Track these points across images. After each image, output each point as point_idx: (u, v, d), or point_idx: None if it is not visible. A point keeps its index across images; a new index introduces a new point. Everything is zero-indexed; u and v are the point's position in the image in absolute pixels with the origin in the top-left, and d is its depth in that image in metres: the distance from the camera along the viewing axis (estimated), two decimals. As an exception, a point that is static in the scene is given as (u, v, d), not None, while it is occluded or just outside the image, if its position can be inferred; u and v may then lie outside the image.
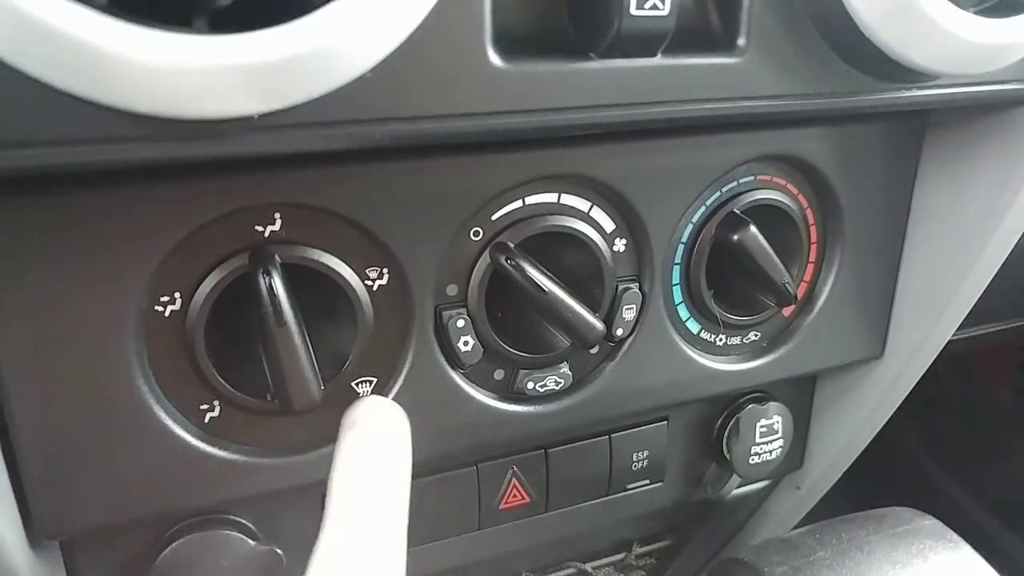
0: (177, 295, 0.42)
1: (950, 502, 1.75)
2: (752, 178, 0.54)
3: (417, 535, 0.57)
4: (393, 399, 0.48)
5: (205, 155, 0.35)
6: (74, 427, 0.42)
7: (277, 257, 0.42)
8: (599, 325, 0.48)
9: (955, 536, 0.45)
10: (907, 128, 0.56)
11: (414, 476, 0.55)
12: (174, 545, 0.50)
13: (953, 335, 0.65)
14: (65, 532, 0.44)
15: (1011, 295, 0.79)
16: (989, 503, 1.68)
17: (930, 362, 0.65)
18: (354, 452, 0.35)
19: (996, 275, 0.60)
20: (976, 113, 0.56)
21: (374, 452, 0.35)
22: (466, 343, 0.49)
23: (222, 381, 0.44)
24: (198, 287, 0.42)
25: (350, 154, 0.41)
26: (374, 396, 0.42)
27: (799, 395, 0.69)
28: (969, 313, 0.62)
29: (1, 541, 0.41)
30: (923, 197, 0.60)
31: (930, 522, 0.46)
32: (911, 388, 0.66)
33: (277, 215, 0.42)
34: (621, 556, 0.77)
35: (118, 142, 0.32)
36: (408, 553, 0.58)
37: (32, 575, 0.45)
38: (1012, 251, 0.59)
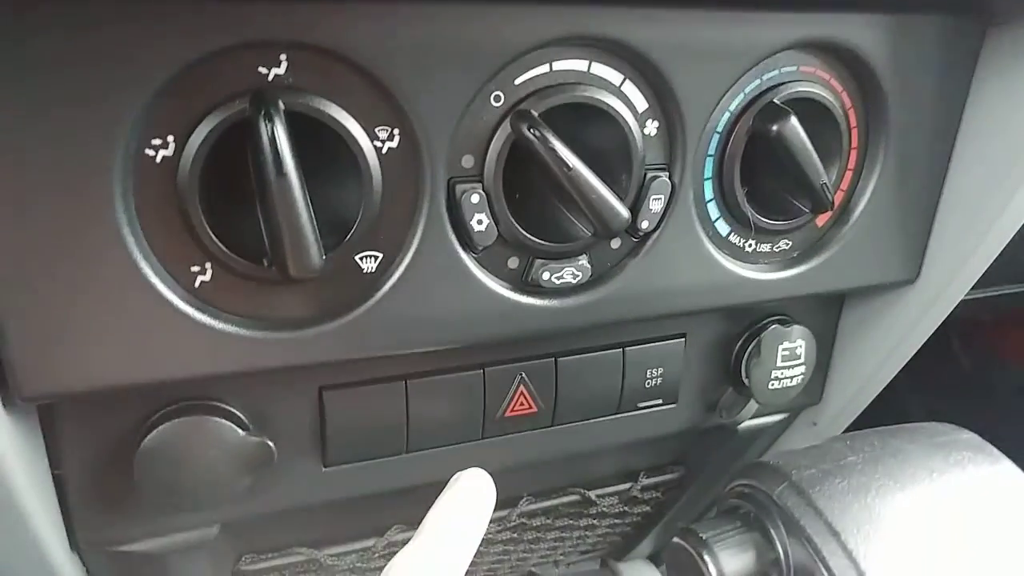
0: (170, 138, 0.39)
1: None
2: (795, 68, 0.50)
3: (419, 440, 0.54)
4: (399, 279, 0.45)
5: None
6: (54, 280, 0.39)
7: (281, 103, 0.38)
8: (625, 212, 0.45)
9: (995, 450, 0.42)
10: (967, 24, 0.52)
11: (420, 375, 0.52)
12: (160, 428, 0.47)
13: (976, 293, 0.61)
14: (41, 394, 0.41)
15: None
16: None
17: (964, 292, 0.61)
18: (451, 498, 0.43)
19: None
20: None
21: (465, 504, 0.43)
22: (480, 222, 0.45)
23: (215, 240, 0.40)
24: (193, 130, 0.39)
25: None
26: (477, 469, 0.44)
27: (825, 320, 0.66)
28: (997, 269, 0.58)
29: None
30: (976, 108, 0.55)
31: (969, 435, 0.43)
32: (943, 319, 0.63)
33: (283, 56, 0.39)
34: (627, 486, 0.74)
35: None
36: (409, 460, 0.56)
37: (7, 442, 0.42)
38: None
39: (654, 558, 0.97)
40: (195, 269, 0.42)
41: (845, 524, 0.36)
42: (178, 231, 0.40)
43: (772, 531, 0.38)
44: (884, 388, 0.68)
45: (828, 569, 0.35)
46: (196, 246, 0.41)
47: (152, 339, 0.42)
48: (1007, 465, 0.41)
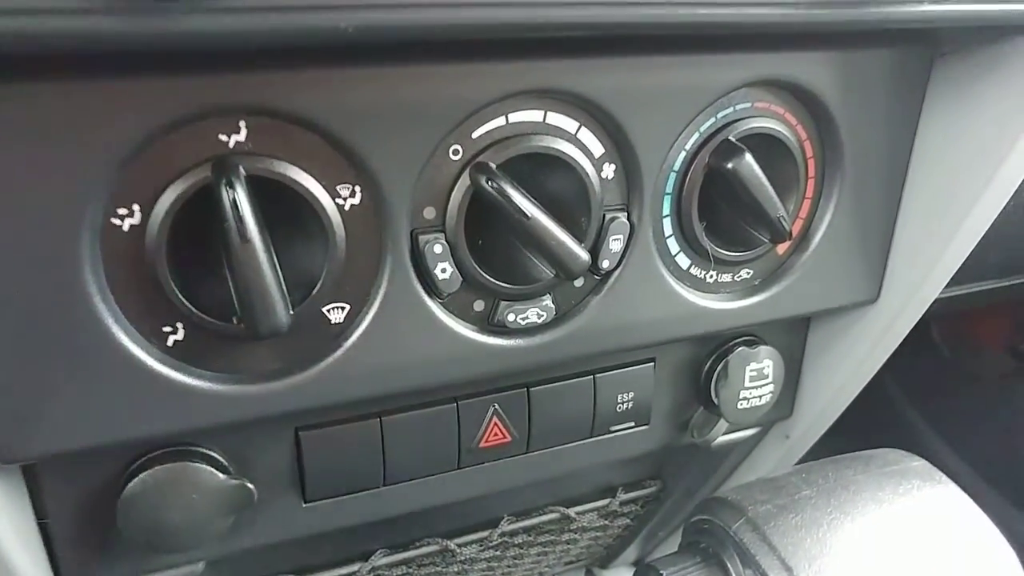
0: (135, 207, 0.40)
1: (939, 461, 1.74)
2: (749, 105, 0.51)
3: (396, 473, 0.56)
4: (367, 328, 0.46)
5: (161, 34, 0.32)
6: (28, 346, 0.40)
7: (242, 169, 0.39)
8: (584, 255, 0.46)
9: (943, 476, 0.43)
10: (914, 56, 0.54)
11: (394, 411, 0.53)
12: (141, 477, 0.48)
13: (950, 292, 0.62)
14: (20, 457, 0.42)
15: (1009, 251, 0.77)
16: (975, 464, 1.68)
17: (926, 308, 0.63)
18: None
19: (995, 229, 0.57)
20: (984, 39, 0.53)
21: None
22: (444, 270, 0.46)
23: (185, 302, 0.42)
24: (158, 200, 0.40)
25: (319, 56, 0.39)
26: None
27: (791, 339, 0.67)
28: (965, 270, 0.60)
29: None
30: (927, 133, 0.57)
31: (919, 463, 0.44)
32: (906, 334, 0.65)
33: (242, 123, 0.40)
34: (606, 502, 0.76)
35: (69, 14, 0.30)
36: (387, 492, 0.57)
37: None
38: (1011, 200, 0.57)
39: (639, 563, 0.98)
40: (167, 329, 0.43)
41: (798, 560, 0.38)
42: (149, 294, 0.42)
43: (729, 565, 0.40)
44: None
45: None
46: (167, 308, 0.42)
47: (129, 398, 0.43)
48: (953, 490, 0.42)
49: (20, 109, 0.36)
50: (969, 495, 1.35)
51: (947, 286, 0.62)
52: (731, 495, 0.42)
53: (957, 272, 0.61)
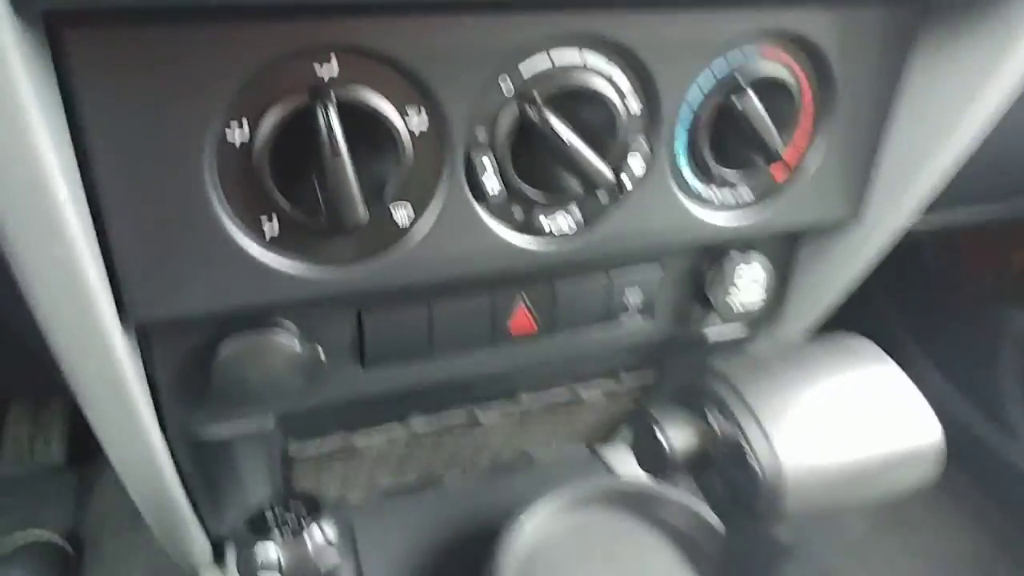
0: (246, 124, 0.49)
1: (917, 371, 1.88)
2: (757, 52, 0.59)
3: (439, 348, 0.67)
4: (426, 226, 0.56)
5: None
6: (158, 230, 0.50)
7: (334, 95, 0.48)
8: (609, 174, 0.55)
9: (887, 357, 0.53)
10: (906, 11, 0.61)
11: (441, 297, 0.64)
12: (233, 341, 0.59)
13: (934, 217, 0.71)
14: (149, 317, 0.53)
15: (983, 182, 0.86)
16: (953, 377, 1.81)
17: (900, 228, 0.72)
18: None
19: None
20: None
21: None
22: (490, 181, 0.56)
23: (282, 198, 0.51)
24: (264, 118, 0.49)
25: (398, 4, 0.47)
26: None
27: (782, 252, 0.77)
28: (950, 197, 0.69)
29: (105, 324, 0.50)
30: (911, 79, 0.65)
31: (871, 346, 0.54)
32: (881, 252, 0.74)
33: (334, 58, 0.49)
34: (610, 383, 0.88)
35: None
36: (431, 363, 0.68)
37: (125, 353, 0.54)
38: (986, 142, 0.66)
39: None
40: (265, 224, 0.53)
41: (762, 409, 0.49)
42: (253, 195, 0.51)
43: (709, 414, 0.51)
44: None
45: (748, 441, 0.48)
46: (267, 205, 0.52)
47: (231, 277, 0.53)
48: (893, 367, 0.53)
49: (167, 47, 0.45)
50: (943, 404, 1.49)
51: (931, 212, 0.72)
52: (716, 364, 0.53)
53: (945, 199, 0.70)
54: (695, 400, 0.52)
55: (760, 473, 0.48)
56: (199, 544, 0.93)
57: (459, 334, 0.67)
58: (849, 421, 0.50)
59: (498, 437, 0.94)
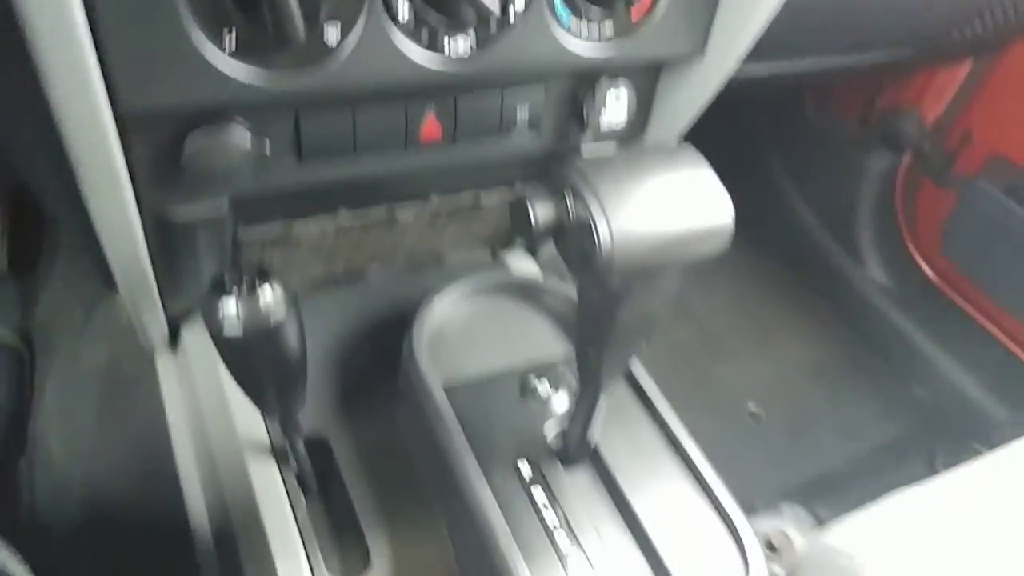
0: None
1: (790, 206, 2.12)
2: None
3: (362, 145, 0.83)
4: (351, 42, 0.70)
5: None
6: (135, 34, 0.63)
7: None
8: (496, 8, 0.70)
9: (704, 161, 0.70)
10: None
11: (362, 103, 0.79)
12: (199, 132, 0.74)
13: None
14: (134, 107, 0.67)
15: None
16: (821, 212, 2.06)
17: (733, 65, 0.90)
18: None
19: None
20: None
21: None
22: (402, 7, 0.70)
23: (240, 15, 0.65)
24: None
25: None
26: None
27: (645, 82, 0.93)
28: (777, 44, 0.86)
29: (103, 114, 0.64)
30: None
31: (695, 152, 0.71)
32: (723, 83, 0.92)
33: None
34: (506, 189, 1.06)
35: None
36: (355, 158, 0.84)
37: (114, 138, 0.69)
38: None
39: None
40: (226, 36, 0.66)
41: (604, 193, 0.63)
42: (218, 10, 0.64)
43: (567, 195, 0.63)
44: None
45: (592, 216, 0.61)
46: (227, 20, 0.65)
47: (200, 80, 0.67)
48: (706, 168, 0.70)
49: None
50: (809, 234, 1.74)
51: (762, 60, 0.89)
52: (576, 160, 0.69)
53: (769, 45, 0.87)
54: (557, 184, 0.69)
55: (597, 239, 0.65)
56: (158, 322, 1.10)
57: (378, 137, 0.82)
58: (666, 205, 0.66)
59: (413, 236, 1.11)
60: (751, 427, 1.72)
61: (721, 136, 1.08)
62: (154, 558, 1.20)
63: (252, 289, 0.67)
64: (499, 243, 1.27)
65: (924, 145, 1.73)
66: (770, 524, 1.42)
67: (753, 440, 1.70)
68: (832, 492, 1.45)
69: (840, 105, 1.90)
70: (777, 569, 1.36)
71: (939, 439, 1.59)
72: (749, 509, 1.43)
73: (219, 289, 0.67)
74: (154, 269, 0.93)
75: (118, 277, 0.90)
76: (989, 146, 1.62)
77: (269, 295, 0.67)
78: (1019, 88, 1.55)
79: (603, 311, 0.73)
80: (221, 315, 0.66)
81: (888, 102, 1.78)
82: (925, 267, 1.86)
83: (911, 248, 1.89)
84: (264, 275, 0.68)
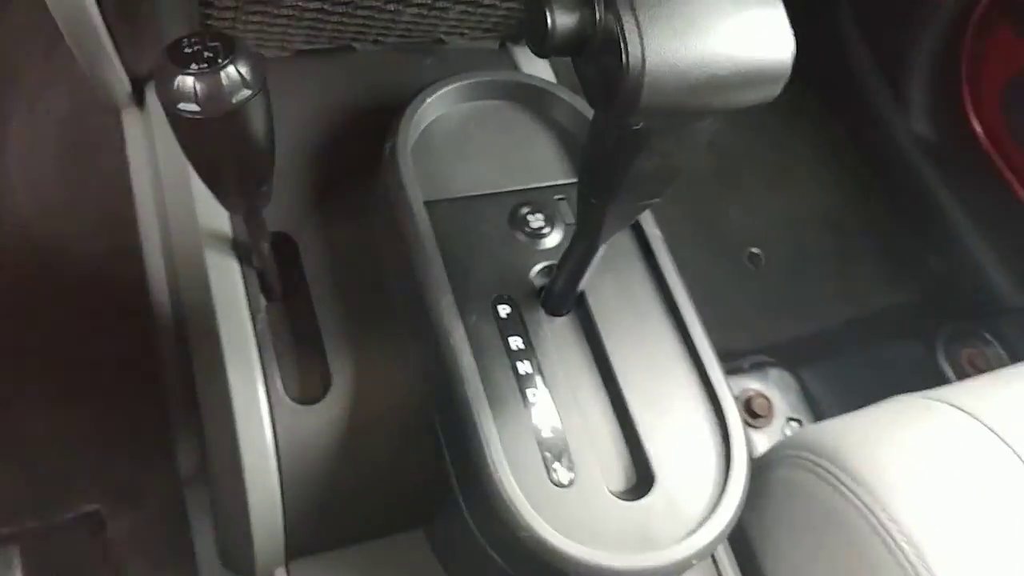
0: None
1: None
2: None
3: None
4: None
5: None
6: None
7: None
8: None
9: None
10: None
11: None
12: None
13: None
14: None
15: None
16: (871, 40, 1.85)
17: None
18: None
19: None
20: None
21: None
22: None
23: None
24: None
25: None
26: None
27: None
28: None
29: None
30: None
31: None
32: None
33: None
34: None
35: None
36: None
37: None
38: None
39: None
40: None
41: (642, 4, 0.50)
42: None
43: (596, 4, 0.53)
44: None
45: (622, 30, 0.49)
46: None
47: None
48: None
49: None
50: (858, 71, 1.53)
51: None
52: None
53: None
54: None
55: (625, 62, 0.52)
56: (120, 79, 0.96)
57: None
58: (717, 32, 0.53)
59: (409, 14, 0.95)
60: (748, 270, 1.64)
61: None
62: (115, 338, 1.15)
63: (214, 63, 0.56)
64: (509, 34, 1.10)
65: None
66: (753, 386, 1.38)
67: (748, 284, 1.63)
68: (819, 356, 1.39)
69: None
70: (755, 436, 1.34)
71: (944, 319, 1.51)
72: (734, 366, 1.39)
73: (176, 60, 0.56)
74: (108, 24, 0.78)
75: (64, 30, 0.75)
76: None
77: (234, 73, 0.57)
78: None
79: (617, 155, 0.61)
80: (176, 91, 0.56)
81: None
82: (975, 123, 1.68)
83: (966, 99, 1.70)
84: (230, 46, 0.56)
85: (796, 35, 0.54)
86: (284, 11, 0.87)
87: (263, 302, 0.86)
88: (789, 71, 0.54)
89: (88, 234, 1.31)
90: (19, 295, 1.24)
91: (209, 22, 0.84)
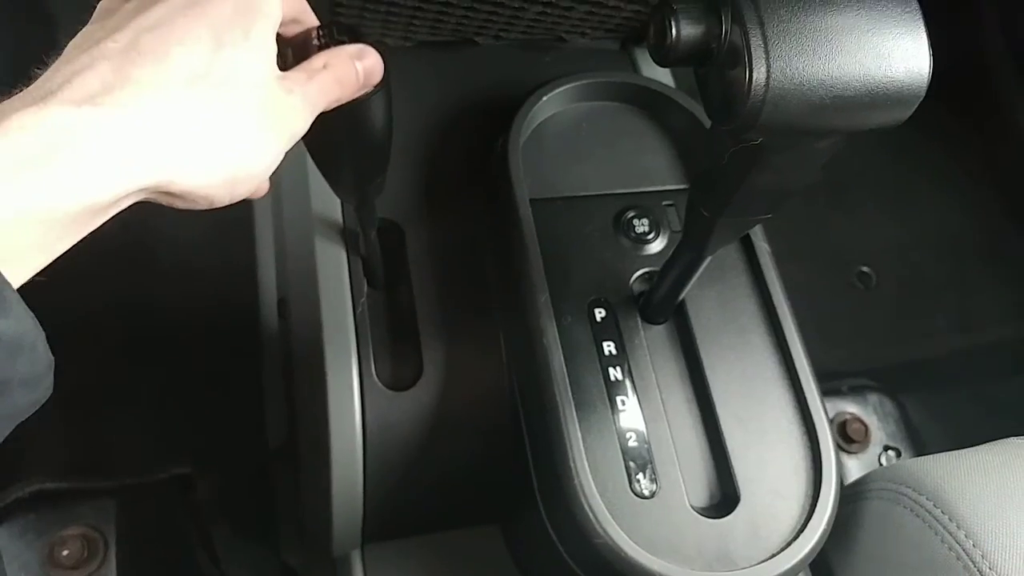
0: None
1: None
2: None
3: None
4: None
5: None
6: None
7: None
8: None
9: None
10: None
11: None
12: None
13: None
14: None
15: None
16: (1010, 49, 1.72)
17: None
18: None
19: None
20: None
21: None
22: None
23: None
24: None
25: None
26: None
27: None
28: None
29: None
30: None
31: None
32: None
33: None
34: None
35: None
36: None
37: None
38: None
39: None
40: None
41: (770, 17, 0.49)
42: None
43: (723, 13, 0.52)
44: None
45: (748, 44, 0.48)
46: None
47: None
48: (915, 12, 0.53)
49: None
50: (993, 79, 1.41)
51: None
52: None
53: None
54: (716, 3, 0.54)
55: (748, 76, 0.51)
56: None
57: None
58: (848, 53, 0.51)
59: (533, 11, 0.95)
60: (858, 290, 1.58)
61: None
62: (223, 308, 1.20)
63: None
64: (631, 36, 1.09)
65: None
66: (850, 410, 1.33)
67: (855, 302, 1.56)
68: (925, 385, 1.32)
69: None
70: (848, 462, 1.29)
71: (1067, 360, 1.41)
72: (831, 386, 1.34)
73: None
74: None
75: None
76: None
77: None
78: None
79: (731, 168, 0.59)
80: None
81: None
82: None
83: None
84: (357, 41, 0.57)
85: (931, 40, 0.51)
86: (411, 3, 0.89)
87: (365, 288, 0.88)
88: (923, 95, 0.52)
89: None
90: (134, 265, 1.30)
91: (339, 10, 0.86)
